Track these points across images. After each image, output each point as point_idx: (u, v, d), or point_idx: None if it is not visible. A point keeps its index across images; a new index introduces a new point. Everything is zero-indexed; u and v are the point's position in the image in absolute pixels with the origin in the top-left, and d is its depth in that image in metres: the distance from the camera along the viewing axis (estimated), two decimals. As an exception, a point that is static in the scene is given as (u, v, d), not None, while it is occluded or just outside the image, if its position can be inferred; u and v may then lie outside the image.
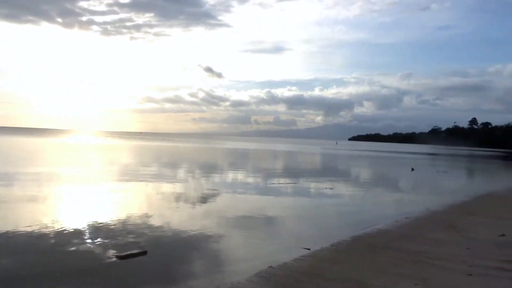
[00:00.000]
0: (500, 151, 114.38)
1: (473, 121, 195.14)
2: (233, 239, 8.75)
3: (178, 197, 14.11)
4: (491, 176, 32.29)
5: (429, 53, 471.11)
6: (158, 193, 14.92)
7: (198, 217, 10.93)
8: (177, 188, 16.33)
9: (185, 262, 7.07)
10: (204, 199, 13.91)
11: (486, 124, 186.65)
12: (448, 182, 24.59)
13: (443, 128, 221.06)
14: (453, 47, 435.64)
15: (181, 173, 23.08)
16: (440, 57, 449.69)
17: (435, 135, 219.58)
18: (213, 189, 16.39)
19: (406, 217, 11.24)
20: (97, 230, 8.85)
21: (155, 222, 9.97)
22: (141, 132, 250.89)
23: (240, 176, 22.43)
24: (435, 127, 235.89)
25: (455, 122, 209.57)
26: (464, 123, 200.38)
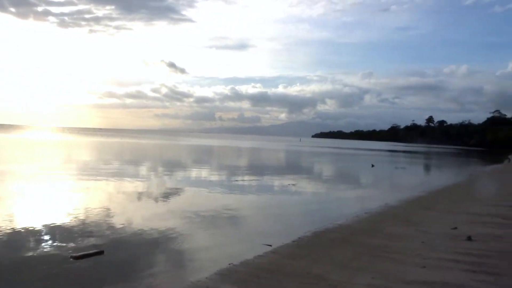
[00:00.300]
0: (454, 148, 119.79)
1: (430, 119, 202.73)
2: (195, 237, 8.64)
3: (138, 195, 13.80)
4: (444, 172, 33.73)
5: (388, 53, 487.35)
6: (118, 192, 14.52)
7: (159, 215, 10.73)
8: (138, 186, 15.96)
9: (144, 261, 6.90)
10: (165, 197, 13.68)
11: (442, 122, 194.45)
12: (406, 178, 25.46)
13: (402, 126, 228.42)
14: (411, 47, 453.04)
15: (142, 170, 22.59)
16: (399, 57, 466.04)
17: (395, 132, 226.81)
18: (175, 187, 16.15)
19: (366, 212, 11.51)
20: (52, 230, 8.48)
21: (114, 221, 9.70)
22: (100, 128, 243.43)
23: (203, 173, 22.23)
24: (394, 125, 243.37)
25: (413, 120, 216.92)
26: (421, 121, 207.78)
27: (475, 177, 24.78)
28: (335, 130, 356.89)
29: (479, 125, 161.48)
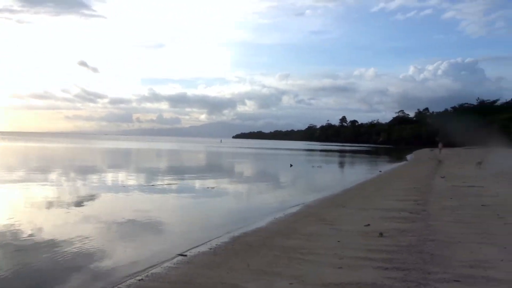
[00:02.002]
0: (365, 146, 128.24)
1: (343, 119, 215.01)
2: (104, 248, 7.88)
3: (46, 204, 12.54)
4: (357, 169, 35.69)
5: (304, 55, 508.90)
6: (22, 201, 13.12)
7: (65, 224, 9.85)
8: (46, 194, 14.50)
9: (39, 277, 6.06)
10: (75, 205, 12.60)
11: (354, 122, 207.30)
12: (322, 176, 26.41)
13: (318, 126, 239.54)
14: (325, 50, 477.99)
15: (50, 177, 20.61)
16: (314, 59, 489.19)
17: (311, 132, 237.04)
18: (87, 194, 14.97)
19: (284, 213, 11.53)
20: None
21: (21, 232, 8.73)
22: (2, 132, 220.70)
23: (118, 178, 20.95)
24: (311, 125, 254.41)
25: (328, 120, 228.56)
26: (335, 121, 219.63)
27: (384, 173, 26.45)
28: (255, 130, 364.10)
29: (386, 124, 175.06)
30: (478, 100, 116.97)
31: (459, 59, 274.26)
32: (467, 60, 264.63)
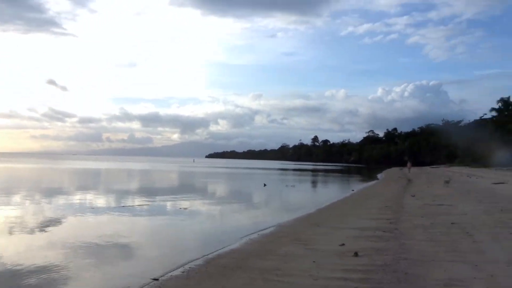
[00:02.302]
0: (336, 165, 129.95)
1: (315, 139, 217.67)
2: (70, 275, 7.51)
3: (10, 228, 11.95)
4: (330, 188, 36.00)
5: (276, 76, 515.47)
6: None
7: (35, 249, 9.47)
8: (9, 217, 13.82)
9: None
10: (43, 228, 12.09)
11: (326, 142, 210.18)
12: (296, 196, 26.45)
13: (291, 145, 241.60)
14: (297, 71, 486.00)
15: (14, 199, 19.70)
16: (286, 80, 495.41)
17: (284, 152, 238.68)
18: (55, 216, 14.42)
19: (258, 234, 11.40)
20: None
21: None
22: None
23: (88, 199, 20.27)
24: (284, 144, 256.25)
25: (300, 140, 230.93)
26: (308, 141, 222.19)
27: (356, 192, 26.76)
28: (228, 150, 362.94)
29: (357, 143, 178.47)
30: (443, 121, 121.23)
31: (424, 82, 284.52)
32: (432, 82, 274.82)
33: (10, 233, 11.39)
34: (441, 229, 10.67)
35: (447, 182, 27.34)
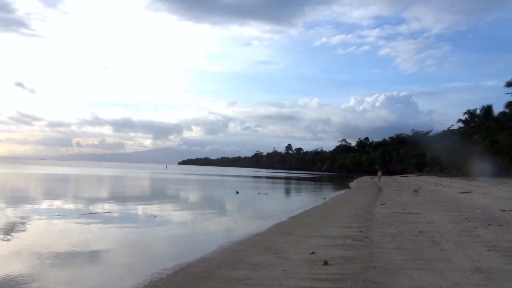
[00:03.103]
0: (309, 173, 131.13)
1: (289, 146, 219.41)
2: (34, 284, 7.19)
3: None
4: (302, 196, 36.22)
5: (251, 84, 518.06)
6: None
7: None
8: None
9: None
10: (6, 235, 11.61)
11: (299, 150, 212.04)
12: (268, 204, 26.46)
13: (264, 153, 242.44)
14: (271, 80, 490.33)
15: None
16: (260, 88, 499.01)
17: (258, 159, 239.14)
18: (19, 223, 13.88)
19: (229, 242, 11.30)
20: None
21: None
22: None
23: (54, 206, 19.64)
24: (257, 152, 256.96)
25: (274, 148, 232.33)
26: (281, 149, 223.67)
27: (328, 200, 27.01)
28: (202, 157, 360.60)
29: (330, 152, 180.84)
30: (413, 131, 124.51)
31: (394, 93, 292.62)
32: (402, 93, 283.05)
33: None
34: (409, 237, 10.86)
35: (415, 191, 27.99)
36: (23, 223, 13.93)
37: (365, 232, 11.92)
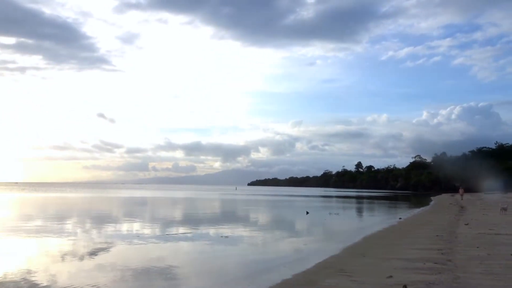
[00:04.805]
0: (382, 192, 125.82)
1: (359, 164, 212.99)
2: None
3: (63, 253, 12.65)
4: (375, 216, 34.72)
5: (316, 103, 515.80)
6: (40, 250, 13.32)
7: (85, 272, 10.01)
8: (63, 243, 14.82)
9: None
10: (93, 253, 12.73)
11: (370, 168, 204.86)
12: (340, 224, 25.67)
13: (334, 172, 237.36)
14: (337, 97, 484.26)
15: (67, 227, 20.54)
16: (325, 106, 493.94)
17: (327, 178, 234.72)
18: (104, 242, 15.06)
19: (301, 264, 11.07)
20: None
21: (38, 281, 8.92)
22: (16, 182, 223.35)
23: (134, 227, 20.89)
24: (326, 171, 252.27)
25: (343, 166, 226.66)
26: (351, 167, 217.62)
27: (404, 220, 25.62)
28: (270, 177, 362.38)
29: (403, 169, 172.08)
30: (497, 144, 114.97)
31: (472, 103, 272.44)
32: (481, 104, 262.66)
33: (63, 258, 11.94)
34: (500, 261, 9.89)
35: (504, 209, 25.60)
36: (107, 243, 14.87)
37: (447, 254, 11.06)
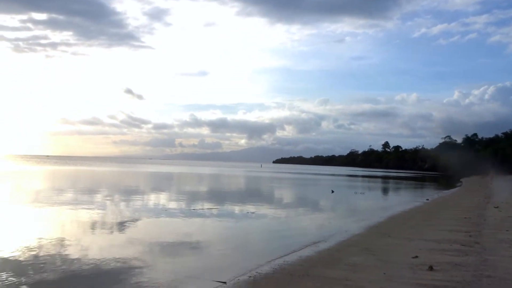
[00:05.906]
0: (409, 172, 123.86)
1: (386, 144, 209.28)
2: (143, 270, 7.96)
3: (93, 225, 13.11)
4: (402, 196, 34.36)
5: (343, 81, 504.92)
6: (72, 222, 13.80)
7: (115, 245, 10.37)
8: (93, 215, 15.25)
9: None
10: (122, 227, 13.15)
11: (397, 148, 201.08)
12: (365, 203, 25.58)
13: (360, 151, 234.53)
14: (365, 76, 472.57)
15: (97, 199, 21.30)
16: (353, 84, 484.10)
17: (353, 158, 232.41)
18: (132, 216, 15.52)
19: (325, 241, 11.18)
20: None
21: (69, 252, 9.30)
22: (48, 156, 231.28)
23: (162, 201, 21.43)
24: (352, 150, 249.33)
25: (370, 146, 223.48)
26: (377, 147, 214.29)
27: (431, 201, 25.26)
28: (295, 155, 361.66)
29: (432, 149, 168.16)
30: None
31: (508, 83, 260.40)
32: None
33: (93, 231, 12.35)
34: (530, 245, 9.69)
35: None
36: (135, 217, 15.35)
37: (475, 237, 10.92)
